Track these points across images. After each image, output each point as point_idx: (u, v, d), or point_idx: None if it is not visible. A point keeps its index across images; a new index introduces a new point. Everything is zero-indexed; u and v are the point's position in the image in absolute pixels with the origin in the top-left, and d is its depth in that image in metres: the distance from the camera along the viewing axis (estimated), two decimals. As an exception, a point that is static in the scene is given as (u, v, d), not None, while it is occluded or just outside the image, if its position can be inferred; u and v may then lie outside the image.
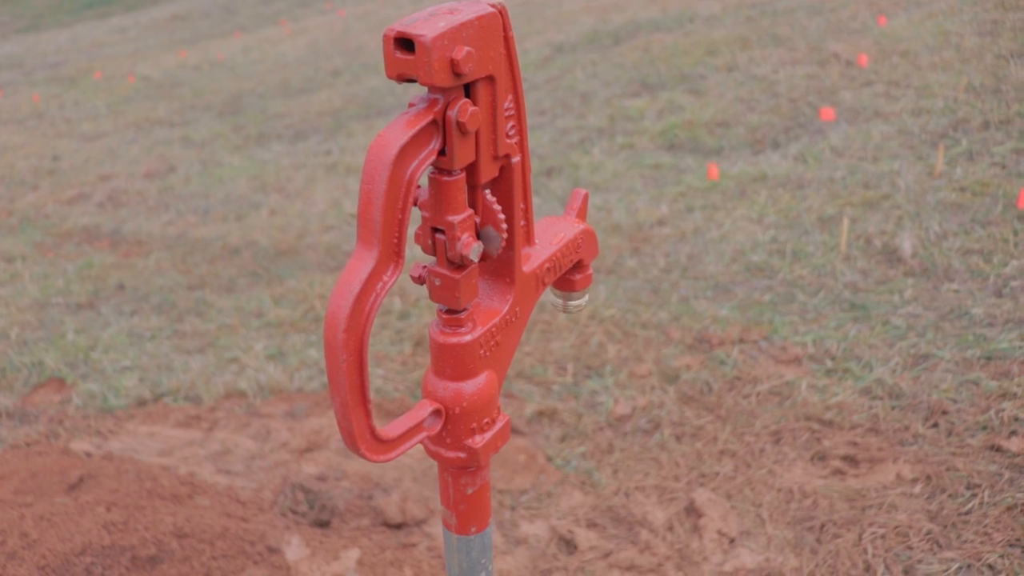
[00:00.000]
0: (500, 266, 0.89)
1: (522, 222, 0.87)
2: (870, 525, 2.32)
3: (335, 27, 13.43)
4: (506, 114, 0.80)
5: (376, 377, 3.34)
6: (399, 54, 0.70)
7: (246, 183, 6.28)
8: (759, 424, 2.81)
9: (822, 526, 2.36)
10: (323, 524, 2.49)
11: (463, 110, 0.73)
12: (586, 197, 1.03)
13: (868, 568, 2.20)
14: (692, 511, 2.49)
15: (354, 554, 2.25)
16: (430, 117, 0.72)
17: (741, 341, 3.27)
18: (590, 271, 1.03)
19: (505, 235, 0.82)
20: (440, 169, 0.77)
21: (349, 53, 10.84)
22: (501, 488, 2.67)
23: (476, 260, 0.79)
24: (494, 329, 0.87)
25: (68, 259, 5.08)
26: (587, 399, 3.09)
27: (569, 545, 2.43)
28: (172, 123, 8.53)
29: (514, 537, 2.47)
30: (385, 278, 0.72)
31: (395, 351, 3.54)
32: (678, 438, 2.82)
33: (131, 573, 1.82)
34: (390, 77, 0.70)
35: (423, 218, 0.79)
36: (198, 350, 3.80)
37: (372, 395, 3.19)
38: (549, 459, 2.80)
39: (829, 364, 3.06)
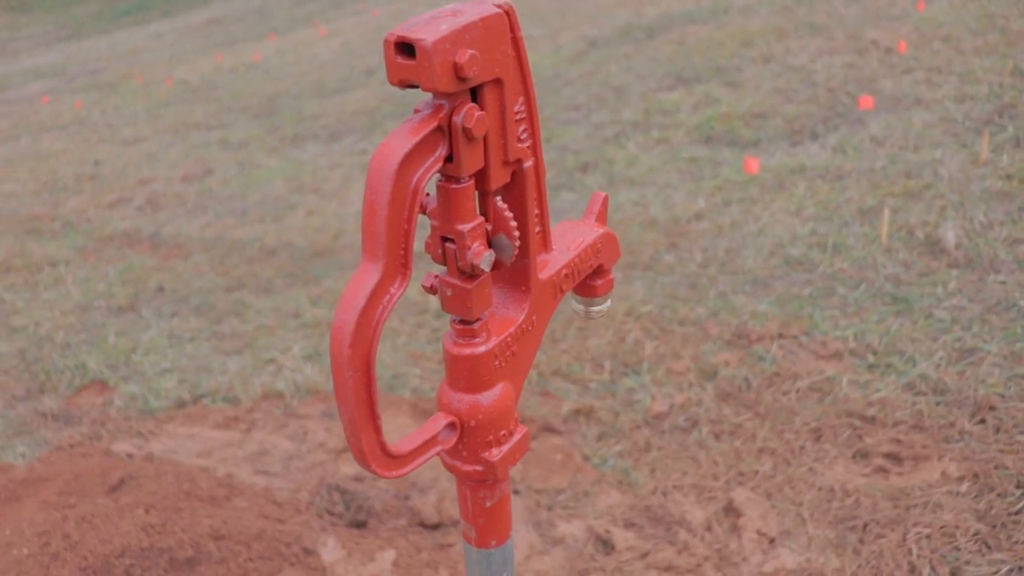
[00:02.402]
0: (515, 274, 0.86)
1: (537, 228, 0.84)
2: (915, 525, 2.27)
3: (368, 27, 13.49)
4: (517, 117, 0.77)
5: (413, 377, 3.35)
6: (400, 59, 0.68)
7: (282, 184, 6.33)
8: (799, 421, 2.76)
9: (865, 526, 2.30)
10: (359, 525, 2.49)
11: (469, 115, 0.70)
12: (605, 200, 0.99)
13: (913, 570, 2.14)
14: (731, 510, 2.45)
15: (390, 555, 2.25)
16: (435, 123, 0.69)
17: (780, 336, 3.22)
18: (611, 276, 1.00)
19: (518, 243, 0.79)
20: (448, 176, 0.74)
21: (383, 52, 10.88)
22: (538, 488, 2.65)
23: (488, 270, 0.76)
24: (510, 339, 0.84)
25: (109, 263, 5.16)
26: (624, 397, 3.06)
27: (607, 545, 2.41)
28: (209, 126, 8.63)
29: (551, 537, 2.46)
30: (392, 290, 0.70)
31: (431, 350, 3.54)
32: (716, 436, 2.78)
33: (169, 575, 1.83)
34: (392, 83, 0.68)
35: (432, 227, 0.77)
36: (236, 351, 3.83)
37: (408, 395, 3.20)
38: (586, 458, 2.77)
39: (871, 359, 2.99)
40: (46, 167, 7.69)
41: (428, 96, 0.71)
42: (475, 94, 0.72)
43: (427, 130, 0.69)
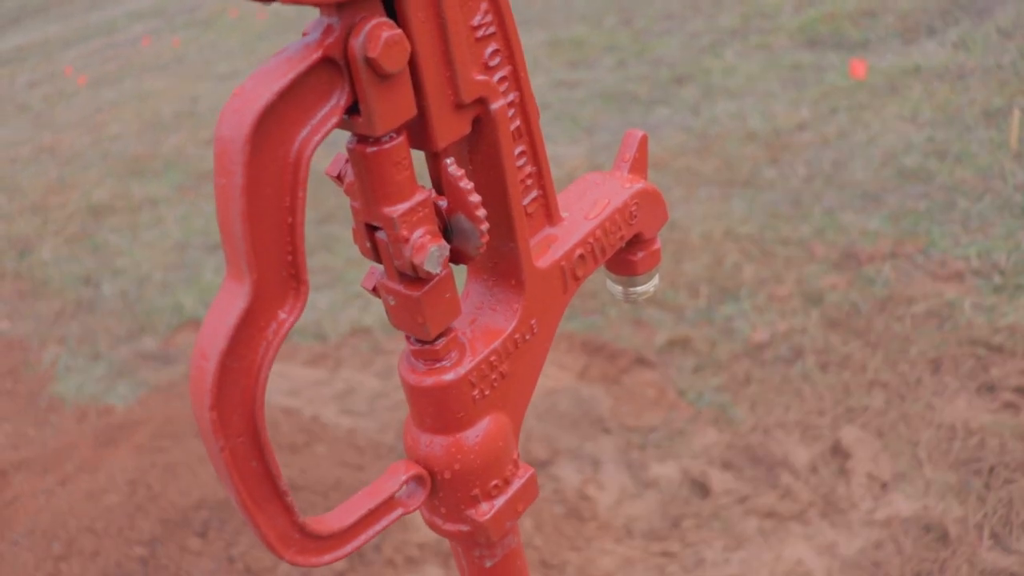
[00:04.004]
0: (501, 262, 0.61)
1: (533, 195, 0.60)
2: (1048, 467, 2.05)
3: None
4: (479, 34, 0.52)
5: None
6: None
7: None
8: (915, 351, 2.52)
9: (991, 469, 2.09)
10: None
11: (373, 37, 0.44)
12: (644, 142, 0.72)
13: (1046, 516, 1.94)
14: (839, 451, 2.27)
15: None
16: (317, 54, 0.45)
17: (893, 256, 2.95)
18: (657, 245, 0.73)
19: (485, 225, 0.53)
20: (359, 136, 0.49)
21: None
22: (630, 425, 2.53)
23: (438, 271, 0.52)
24: (494, 358, 0.60)
25: (206, 199, 5.21)
26: (722, 325, 2.88)
27: (702, 488, 2.28)
28: (301, 56, 8.59)
29: (643, 479, 2.34)
30: (281, 316, 0.47)
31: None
32: (822, 368, 2.58)
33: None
34: None
35: (352, 209, 0.53)
36: (327, 285, 3.81)
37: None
38: (681, 393, 2.63)
39: (997, 280, 2.71)
40: (148, 107, 7.83)
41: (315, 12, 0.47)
42: (391, 2, 0.47)
43: (303, 66, 0.44)
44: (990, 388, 2.34)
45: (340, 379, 2.97)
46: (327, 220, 4.56)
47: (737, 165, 3.89)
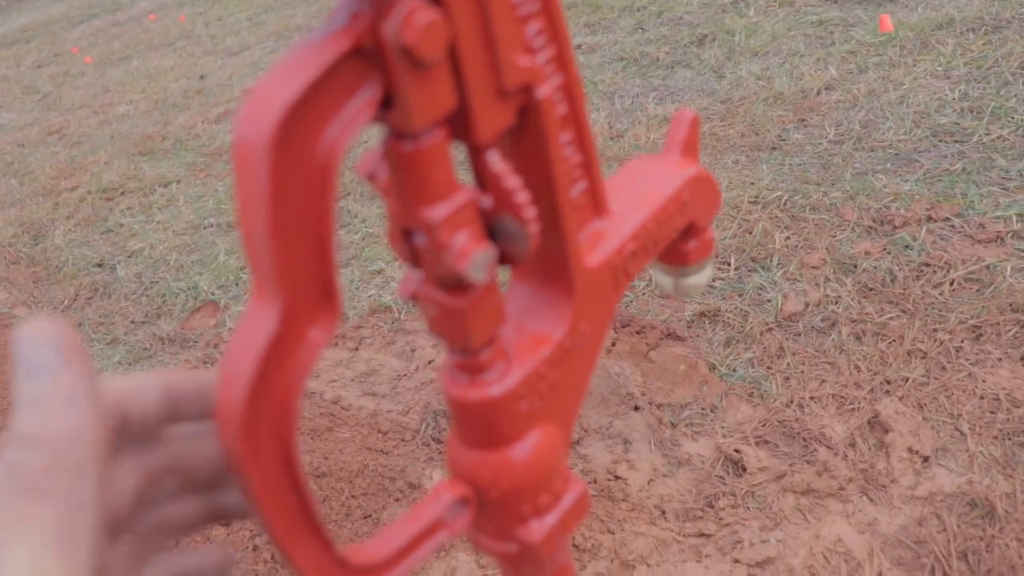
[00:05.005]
0: (547, 262, 0.54)
1: (581, 187, 0.52)
2: (1102, 438, 1.96)
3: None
4: (521, 12, 0.44)
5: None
6: None
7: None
8: (954, 318, 2.43)
9: (1040, 440, 2.01)
10: (471, 448, 2.37)
11: (408, 22, 0.37)
12: (696, 122, 0.64)
13: (1102, 491, 1.85)
14: (877, 424, 2.19)
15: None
16: (348, 43, 0.38)
17: (929, 220, 2.84)
18: (710, 234, 0.65)
19: (534, 227, 0.46)
20: (394, 132, 0.42)
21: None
22: (660, 402, 2.46)
23: (483, 279, 0.45)
24: (542, 367, 0.53)
25: (218, 178, 5.15)
26: (753, 296, 2.79)
27: (737, 466, 2.20)
28: (311, 28, 8.47)
29: (675, 458, 2.27)
30: (313, 336, 0.41)
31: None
32: (858, 337, 2.49)
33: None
34: None
35: (388, 211, 0.46)
36: (344, 263, 3.74)
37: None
38: (712, 368, 2.55)
39: (1040, 242, 2.60)
40: (156, 85, 7.75)
41: None
42: None
43: (331, 57, 0.37)
44: (1036, 356, 2.25)
45: (361, 359, 2.91)
46: (343, 196, 4.48)
47: (763, 129, 3.77)
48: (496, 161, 0.46)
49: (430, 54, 0.38)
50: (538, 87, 0.46)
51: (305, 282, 0.40)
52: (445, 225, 0.43)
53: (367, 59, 0.39)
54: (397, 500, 1.92)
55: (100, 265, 4.30)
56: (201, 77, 7.58)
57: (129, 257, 4.29)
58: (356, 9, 0.38)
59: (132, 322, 3.66)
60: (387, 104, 0.40)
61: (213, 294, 3.71)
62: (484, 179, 0.46)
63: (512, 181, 0.45)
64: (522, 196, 0.45)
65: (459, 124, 0.44)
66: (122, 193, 5.23)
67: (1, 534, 0.30)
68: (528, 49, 0.45)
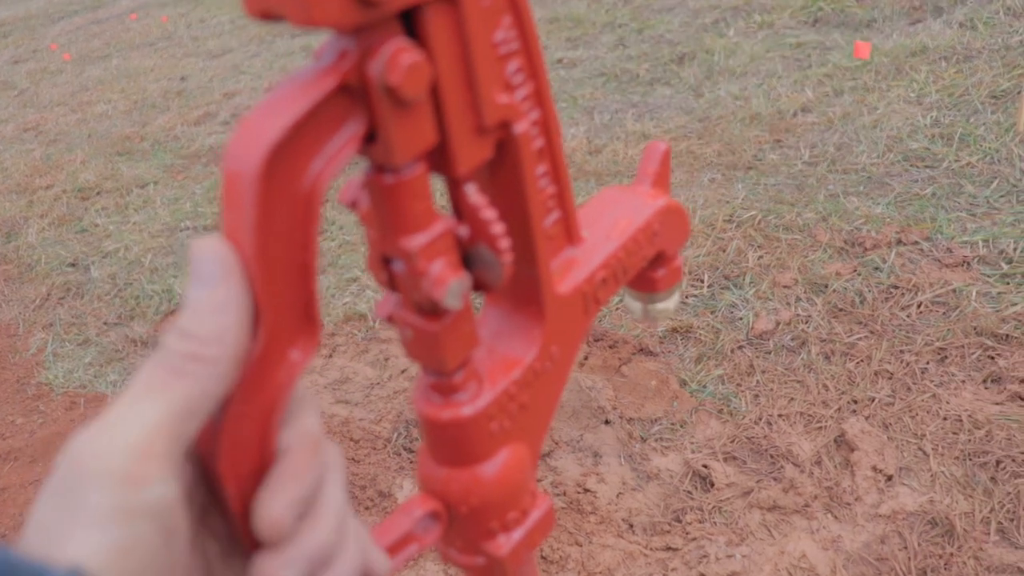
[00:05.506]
0: (520, 288, 0.56)
1: (554, 216, 0.54)
2: (1059, 462, 2.01)
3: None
4: (501, 51, 0.45)
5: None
6: None
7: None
8: (921, 340, 2.48)
9: (998, 462, 2.05)
10: (443, 458, 2.38)
11: (394, 62, 0.39)
12: (667, 155, 0.66)
13: (1057, 513, 1.90)
14: (843, 443, 2.23)
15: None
16: (334, 81, 0.39)
17: (899, 243, 2.90)
18: (678, 262, 0.68)
19: (508, 256, 0.48)
20: (376, 165, 0.44)
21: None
22: (630, 417, 2.48)
23: (458, 305, 0.47)
24: (513, 389, 0.55)
25: (196, 181, 5.13)
26: (725, 313, 2.83)
27: (705, 481, 2.23)
28: (294, 33, 8.46)
29: (645, 472, 2.30)
30: (293, 357, 0.42)
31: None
32: (827, 357, 2.53)
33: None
34: (252, 15, 0.39)
35: (368, 238, 0.48)
36: (320, 270, 3.74)
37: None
38: (683, 383, 2.58)
39: (1004, 268, 2.66)
40: (136, 85, 7.71)
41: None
42: (411, 21, 0.42)
43: (318, 95, 0.39)
44: (997, 379, 2.30)
45: (335, 367, 2.92)
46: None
47: (740, 148, 3.83)
48: (473, 193, 0.48)
49: (413, 93, 0.40)
50: (516, 123, 0.48)
51: (287, 306, 0.42)
52: (423, 254, 0.45)
53: (352, 96, 0.41)
54: (368, 509, 1.92)
55: (74, 265, 4.27)
56: (182, 79, 7.55)
57: (103, 258, 4.26)
58: (343, 48, 0.40)
59: (105, 323, 3.64)
60: (370, 139, 0.42)
61: (188, 297, 3.69)
62: (461, 209, 0.48)
63: (488, 213, 0.47)
64: (498, 227, 0.47)
65: (439, 158, 0.46)
66: (98, 193, 5.19)
67: (142, 393, 0.38)
68: (507, 87, 0.47)
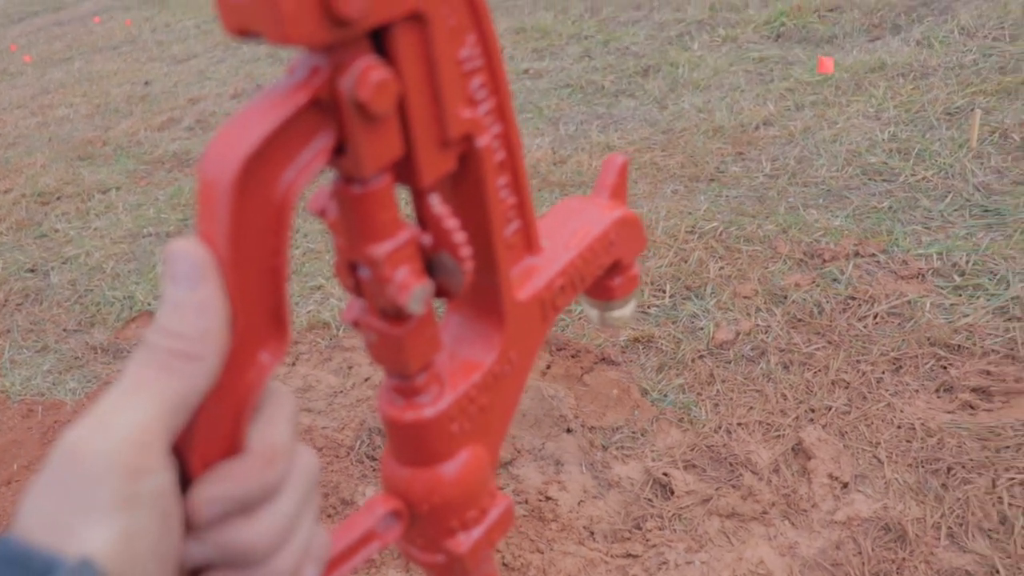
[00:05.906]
0: (480, 295, 0.58)
1: (514, 226, 0.57)
2: (1006, 470, 2.06)
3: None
4: (466, 68, 0.48)
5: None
6: None
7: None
8: (876, 350, 2.53)
9: (949, 469, 2.10)
10: (406, 466, 2.39)
11: (364, 79, 0.41)
12: (624, 168, 0.69)
13: (1004, 520, 1.95)
14: (800, 451, 2.27)
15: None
16: (305, 96, 0.41)
17: (857, 255, 2.96)
18: (634, 271, 0.70)
19: (469, 264, 0.51)
20: (345, 176, 0.46)
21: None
22: (592, 425, 2.51)
23: (421, 311, 0.49)
24: (473, 391, 0.58)
25: (159, 187, 5.08)
26: (686, 323, 2.87)
27: (665, 489, 2.26)
28: (259, 40, 8.42)
29: (606, 480, 2.32)
30: (262, 359, 0.44)
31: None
32: (786, 366, 2.58)
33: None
34: (229, 32, 0.41)
35: (336, 246, 0.50)
36: (284, 278, 3.73)
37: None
38: (644, 392, 2.61)
39: (958, 280, 2.73)
40: (98, 89, 7.63)
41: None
42: (380, 39, 0.43)
43: (291, 109, 0.41)
44: (949, 388, 2.35)
45: (298, 375, 2.91)
46: (285, 209, 4.47)
47: (702, 160, 3.88)
48: (437, 203, 0.50)
49: (382, 108, 0.43)
50: (478, 137, 0.50)
51: (259, 309, 0.44)
52: (388, 261, 0.47)
53: (323, 111, 0.43)
54: (330, 516, 1.92)
55: (33, 270, 4.21)
56: (146, 83, 7.48)
57: (63, 263, 4.21)
58: (315, 64, 0.42)
59: (64, 330, 3.60)
60: (339, 151, 0.45)
61: (150, 304, 3.66)
62: (425, 219, 0.50)
63: (451, 222, 0.50)
64: (460, 236, 0.50)
65: (404, 169, 0.48)
66: (58, 198, 5.13)
67: (133, 389, 0.40)
68: (471, 102, 0.49)
